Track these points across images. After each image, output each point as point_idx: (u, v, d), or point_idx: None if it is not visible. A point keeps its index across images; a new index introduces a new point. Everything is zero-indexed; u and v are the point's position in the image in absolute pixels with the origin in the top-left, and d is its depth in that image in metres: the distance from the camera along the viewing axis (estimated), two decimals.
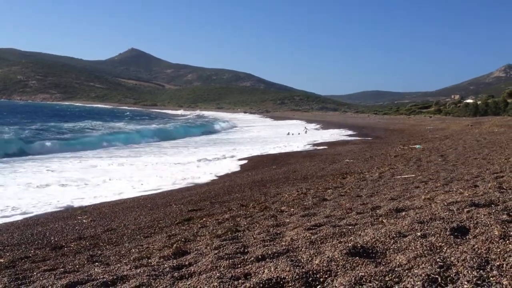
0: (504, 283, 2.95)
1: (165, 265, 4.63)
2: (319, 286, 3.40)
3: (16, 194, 13.34)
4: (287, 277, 3.53)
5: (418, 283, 3.08)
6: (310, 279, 3.50)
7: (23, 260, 6.39)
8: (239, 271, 3.94)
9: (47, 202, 12.18)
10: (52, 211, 11.04)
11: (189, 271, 4.20)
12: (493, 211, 4.82)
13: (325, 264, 3.72)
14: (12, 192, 13.78)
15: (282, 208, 8.17)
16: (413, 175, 10.78)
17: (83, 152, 27.75)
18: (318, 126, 69.74)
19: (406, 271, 3.36)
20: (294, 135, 45.98)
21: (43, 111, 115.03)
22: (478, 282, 3.00)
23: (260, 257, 4.33)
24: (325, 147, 27.97)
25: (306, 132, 50.34)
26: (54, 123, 58.02)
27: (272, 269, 3.78)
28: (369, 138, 35.25)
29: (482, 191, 6.60)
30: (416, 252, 3.74)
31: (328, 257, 3.87)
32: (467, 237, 4.08)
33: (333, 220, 5.97)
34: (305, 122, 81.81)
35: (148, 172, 18.48)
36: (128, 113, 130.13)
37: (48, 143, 31.08)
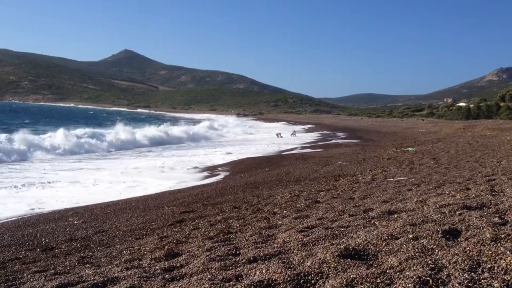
0: (495, 285, 2.95)
1: (157, 267, 4.61)
2: None
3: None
4: (278, 279, 3.52)
5: (410, 285, 3.07)
6: (301, 281, 3.49)
7: (13, 262, 6.34)
8: (230, 273, 3.93)
9: None
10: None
11: (180, 273, 4.18)
12: (485, 213, 4.83)
13: (316, 266, 3.71)
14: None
15: (275, 210, 8.16)
16: (406, 178, 10.79)
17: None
18: (310, 128, 69.83)
19: (398, 273, 3.36)
20: (286, 138, 46.01)
21: (74, 114, 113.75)
22: (470, 284, 3.00)
23: (251, 259, 4.32)
24: (318, 149, 27.99)
25: (295, 134, 49.89)
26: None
27: (263, 271, 3.77)
28: (362, 141, 35.33)
29: (474, 194, 6.62)
30: (407, 254, 3.74)
31: (320, 259, 3.86)
32: (458, 239, 4.09)
33: (325, 222, 5.96)
34: (300, 125, 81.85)
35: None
36: (144, 116, 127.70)
37: None
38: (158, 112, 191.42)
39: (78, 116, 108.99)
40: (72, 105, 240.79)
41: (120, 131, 39.37)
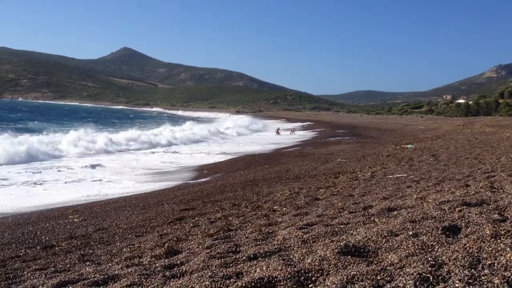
0: (495, 282, 2.95)
1: (157, 265, 4.61)
2: (311, 285, 3.39)
3: None
4: (279, 276, 3.52)
5: (410, 282, 3.07)
6: (302, 278, 3.50)
7: (13, 260, 6.34)
8: (231, 270, 3.93)
9: None
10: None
11: (180, 270, 4.18)
12: (485, 210, 4.84)
13: (317, 263, 3.71)
14: None
15: (275, 207, 8.16)
16: (405, 175, 10.80)
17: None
18: (310, 125, 69.82)
19: (398, 270, 3.36)
20: (286, 135, 46.00)
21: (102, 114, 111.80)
22: (470, 281, 3.00)
23: (252, 256, 4.32)
24: (318, 146, 28.00)
25: (294, 132, 49.46)
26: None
27: (264, 268, 3.77)
28: (361, 138, 35.34)
29: (473, 191, 6.63)
30: (408, 251, 3.74)
31: (320, 256, 3.86)
32: (458, 236, 4.09)
33: (325, 219, 5.97)
34: (299, 122, 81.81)
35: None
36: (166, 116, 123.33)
37: None
38: (171, 111, 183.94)
39: (101, 115, 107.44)
40: (77, 103, 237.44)
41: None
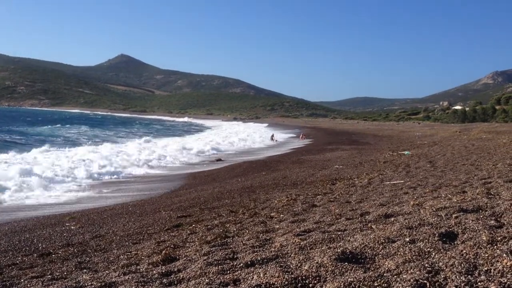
0: None
1: (154, 272, 4.60)
2: None
3: None
4: (276, 283, 3.53)
5: None
6: (299, 285, 3.50)
7: (10, 267, 6.31)
8: (228, 277, 3.93)
9: None
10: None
11: (178, 278, 4.18)
12: (481, 216, 4.85)
13: (314, 270, 3.72)
14: None
15: (272, 214, 8.16)
16: (402, 181, 10.81)
17: None
18: (307, 131, 69.85)
19: (395, 276, 3.37)
20: (281, 141, 46.00)
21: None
22: (466, 287, 3.01)
23: (249, 263, 4.32)
24: (315, 153, 28.00)
25: (303, 138, 49.41)
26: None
27: (261, 275, 3.77)
28: (359, 144, 35.36)
29: (470, 197, 6.64)
30: (404, 258, 3.75)
31: (317, 262, 3.87)
32: (455, 242, 4.10)
33: (322, 226, 5.97)
34: (297, 128, 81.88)
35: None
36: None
37: None
38: (185, 119, 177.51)
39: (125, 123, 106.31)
40: (76, 110, 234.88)
41: None
